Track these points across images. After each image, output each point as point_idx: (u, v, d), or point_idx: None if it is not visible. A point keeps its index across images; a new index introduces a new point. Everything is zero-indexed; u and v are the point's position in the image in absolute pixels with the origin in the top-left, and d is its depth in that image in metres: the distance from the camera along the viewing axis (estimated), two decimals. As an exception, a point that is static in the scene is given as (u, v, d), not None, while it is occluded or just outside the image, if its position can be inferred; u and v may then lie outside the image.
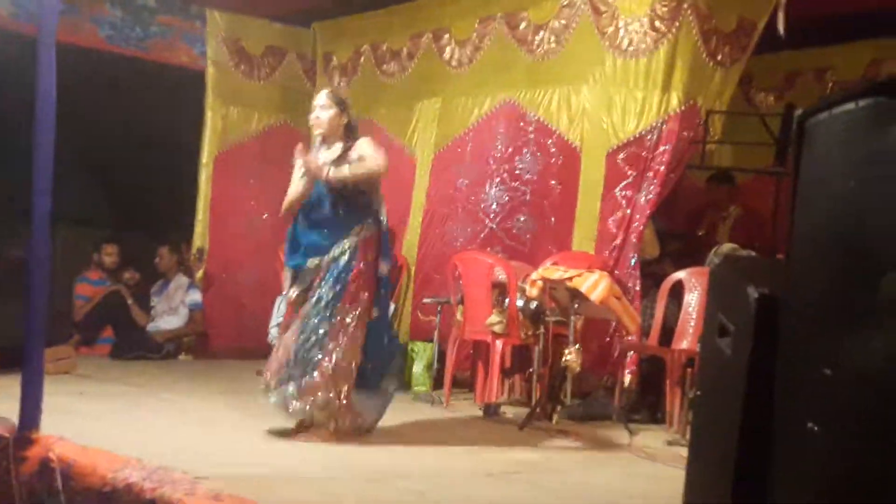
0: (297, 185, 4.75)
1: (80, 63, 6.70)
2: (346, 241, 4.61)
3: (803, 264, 1.87)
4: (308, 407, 4.50)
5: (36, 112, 3.79)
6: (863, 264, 1.64)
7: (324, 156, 4.71)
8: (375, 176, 4.71)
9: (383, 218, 4.78)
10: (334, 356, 4.50)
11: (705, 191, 7.23)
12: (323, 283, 4.57)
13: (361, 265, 4.61)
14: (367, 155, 4.66)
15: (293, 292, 4.71)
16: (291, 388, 4.50)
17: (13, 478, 3.67)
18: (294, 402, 4.51)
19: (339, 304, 4.56)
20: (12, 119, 5.05)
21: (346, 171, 4.61)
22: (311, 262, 4.62)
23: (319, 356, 4.49)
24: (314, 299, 4.56)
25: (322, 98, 4.83)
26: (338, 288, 4.56)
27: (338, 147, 4.72)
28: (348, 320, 4.56)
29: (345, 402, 4.52)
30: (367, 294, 4.64)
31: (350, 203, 4.67)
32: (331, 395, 4.49)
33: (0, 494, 3.65)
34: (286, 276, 4.85)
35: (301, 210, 4.76)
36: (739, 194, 7.21)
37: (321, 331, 4.52)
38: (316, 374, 4.48)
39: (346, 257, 4.58)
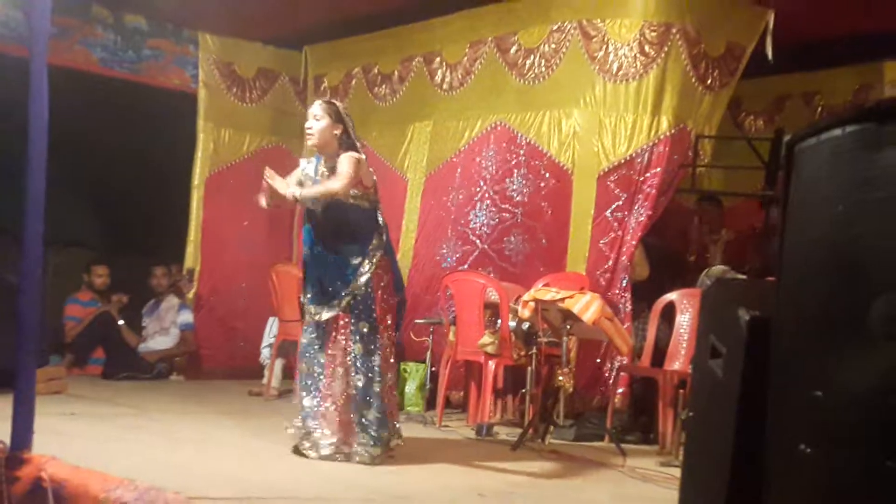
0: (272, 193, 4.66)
1: (73, 85, 6.70)
2: (357, 279, 4.57)
3: (794, 287, 1.89)
4: (390, 436, 4.67)
5: (28, 134, 3.79)
6: (853, 287, 1.67)
7: (319, 170, 4.68)
8: (332, 195, 4.52)
9: (384, 237, 4.69)
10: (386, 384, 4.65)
11: (697, 211, 7.27)
12: (353, 327, 4.58)
13: (379, 292, 4.62)
14: (339, 171, 4.54)
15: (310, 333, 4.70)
16: (364, 438, 4.56)
17: (5, 498, 3.65)
18: (377, 446, 4.56)
19: (377, 335, 4.60)
20: (4, 141, 5.06)
21: (311, 191, 4.54)
22: (326, 313, 4.60)
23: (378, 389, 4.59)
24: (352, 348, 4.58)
25: (315, 108, 4.68)
26: (370, 322, 4.59)
27: (334, 160, 4.64)
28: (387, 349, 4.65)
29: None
30: (390, 317, 4.69)
31: (345, 233, 4.62)
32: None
33: (-8, 515, 3.64)
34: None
35: (305, 243, 4.75)
36: (729, 216, 7.26)
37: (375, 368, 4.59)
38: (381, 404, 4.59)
39: (362, 291, 4.57)
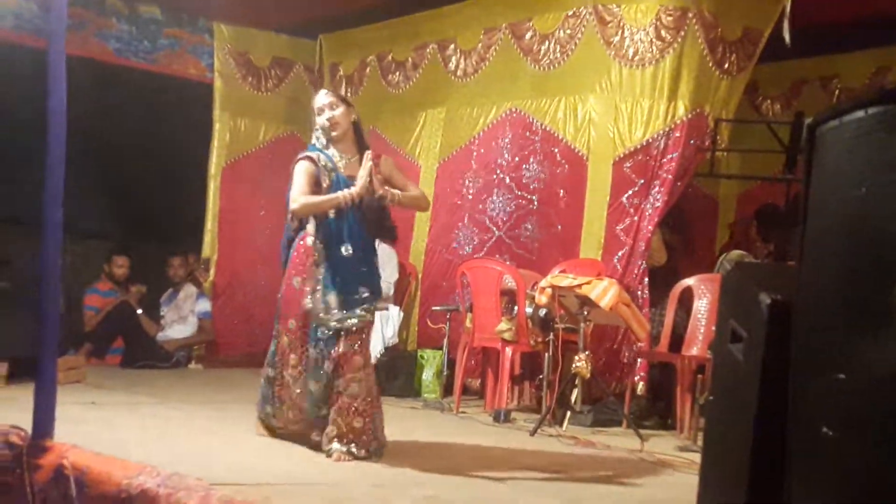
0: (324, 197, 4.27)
1: (89, 76, 6.73)
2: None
3: (815, 270, 1.88)
4: None
5: (47, 124, 3.81)
6: (875, 269, 1.66)
7: (343, 161, 4.36)
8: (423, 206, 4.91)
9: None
10: None
11: (754, 223, 7.02)
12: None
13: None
14: (407, 181, 4.52)
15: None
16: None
17: (28, 486, 3.68)
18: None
19: None
20: (23, 131, 5.08)
21: (412, 192, 4.46)
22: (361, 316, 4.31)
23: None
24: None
25: (326, 97, 4.39)
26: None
27: (352, 151, 4.39)
28: None
29: None
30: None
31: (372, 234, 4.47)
32: None
33: (15, 502, 3.67)
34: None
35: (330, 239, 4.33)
36: (745, 200, 7.14)
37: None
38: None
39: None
